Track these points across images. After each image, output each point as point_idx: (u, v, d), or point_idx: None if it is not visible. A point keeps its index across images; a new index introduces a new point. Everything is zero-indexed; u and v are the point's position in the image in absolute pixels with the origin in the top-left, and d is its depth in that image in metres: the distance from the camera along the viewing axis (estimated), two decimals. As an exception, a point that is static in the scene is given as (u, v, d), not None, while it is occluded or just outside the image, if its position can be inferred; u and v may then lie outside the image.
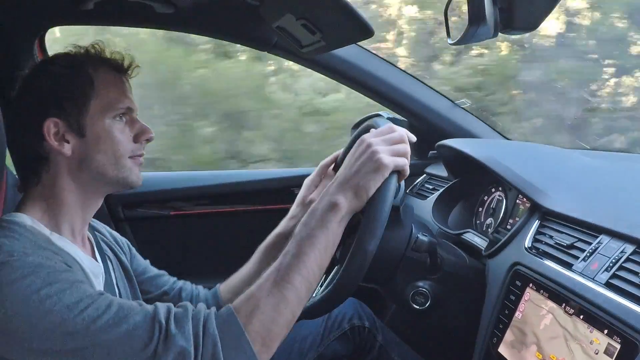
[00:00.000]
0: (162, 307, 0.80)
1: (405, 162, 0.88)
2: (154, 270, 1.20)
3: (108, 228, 1.16)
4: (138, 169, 0.98)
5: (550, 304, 0.86)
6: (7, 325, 0.74)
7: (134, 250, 1.19)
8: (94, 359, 0.74)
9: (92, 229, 1.07)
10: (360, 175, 0.86)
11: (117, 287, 1.03)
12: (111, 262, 1.06)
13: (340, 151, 1.17)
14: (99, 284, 0.95)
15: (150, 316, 0.78)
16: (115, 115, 0.94)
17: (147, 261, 1.22)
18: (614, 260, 0.80)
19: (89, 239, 1.02)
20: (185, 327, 0.77)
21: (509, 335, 0.93)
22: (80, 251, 0.94)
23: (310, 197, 1.21)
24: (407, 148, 0.89)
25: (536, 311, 0.88)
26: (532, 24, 0.74)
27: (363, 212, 0.88)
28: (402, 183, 0.96)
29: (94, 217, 1.04)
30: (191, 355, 0.75)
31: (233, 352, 0.76)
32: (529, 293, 0.91)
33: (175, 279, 1.23)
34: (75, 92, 0.92)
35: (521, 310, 0.92)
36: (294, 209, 1.23)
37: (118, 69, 0.98)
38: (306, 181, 1.23)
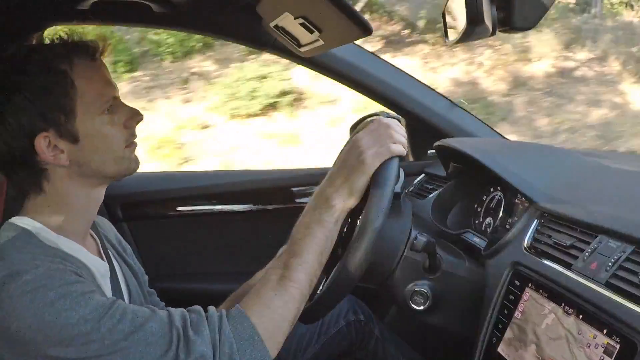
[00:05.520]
0: (176, 313, 0.81)
1: (389, 148, 0.89)
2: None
3: (114, 229, 1.13)
4: (134, 153, 0.95)
5: (551, 304, 0.85)
6: (21, 336, 0.75)
7: (137, 260, 1.16)
8: None
9: (97, 225, 1.05)
10: (348, 175, 0.89)
11: (127, 285, 1.02)
12: (117, 260, 1.05)
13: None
14: (106, 284, 0.94)
15: (166, 322, 0.79)
16: (103, 110, 0.88)
17: (146, 277, 1.17)
18: (613, 260, 0.80)
19: (93, 236, 1.01)
20: (204, 332, 0.78)
21: (508, 335, 0.92)
22: (86, 252, 0.93)
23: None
24: (392, 135, 0.90)
25: (537, 311, 0.88)
26: (530, 23, 0.74)
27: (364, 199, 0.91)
28: (402, 172, 0.96)
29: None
30: (211, 359, 0.77)
31: (248, 350, 0.79)
32: (528, 293, 0.91)
33: (162, 304, 1.16)
34: (59, 100, 0.85)
35: (520, 310, 0.92)
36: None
37: (93, 54, 0.90)
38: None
